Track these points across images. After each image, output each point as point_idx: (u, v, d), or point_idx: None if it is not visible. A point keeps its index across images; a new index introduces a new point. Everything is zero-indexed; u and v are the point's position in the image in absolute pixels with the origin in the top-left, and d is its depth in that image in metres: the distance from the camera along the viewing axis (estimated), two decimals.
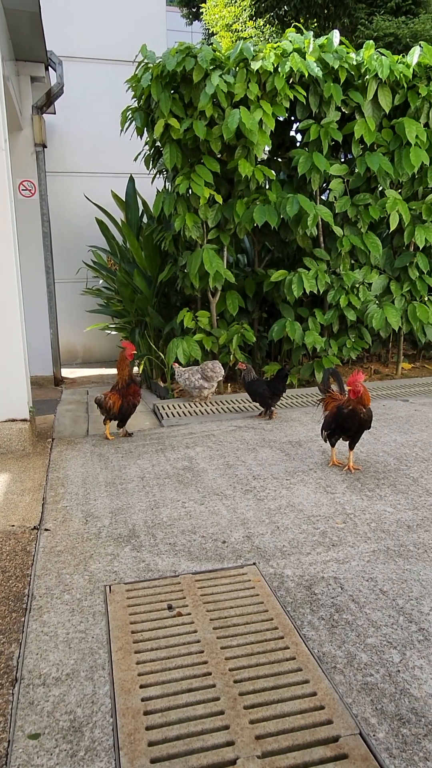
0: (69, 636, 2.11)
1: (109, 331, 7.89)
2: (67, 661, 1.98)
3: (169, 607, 2.26)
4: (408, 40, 8.66)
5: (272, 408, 4.97)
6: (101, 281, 7.87)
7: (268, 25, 10.39)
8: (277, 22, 10.15)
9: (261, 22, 10.43)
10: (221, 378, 5.43)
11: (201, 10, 12.27)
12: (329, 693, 1.81)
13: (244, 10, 10.51)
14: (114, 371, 8.33)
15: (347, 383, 3.53)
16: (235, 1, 10.61)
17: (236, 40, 10.96)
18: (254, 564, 2.59)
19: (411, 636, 2.08)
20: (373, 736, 1.66)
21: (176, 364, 5.48)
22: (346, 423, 3.55)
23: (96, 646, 2.06)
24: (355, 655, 1.99)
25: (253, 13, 10.25)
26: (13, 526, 3.02)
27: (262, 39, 10.56)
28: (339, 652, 2.01)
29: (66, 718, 1.74)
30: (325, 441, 3.82)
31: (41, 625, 2.19)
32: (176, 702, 1.78)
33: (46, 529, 2.98)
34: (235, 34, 11.01)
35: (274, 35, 10.29)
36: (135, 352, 4.51)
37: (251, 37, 10.71)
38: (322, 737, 1.65)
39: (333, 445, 3.81)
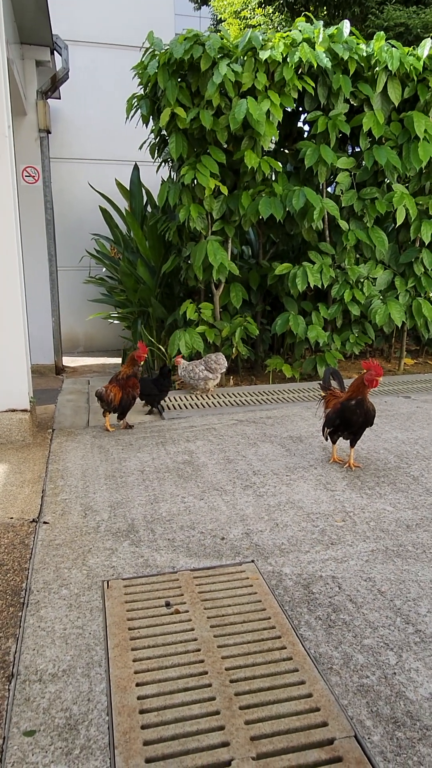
0: (66, 632, 2.12)
1: (111, 321, 7.86)
2: (63, 658, 1.98)
3: (167, 604, 2.26)
4: (419, 30, 8.54)
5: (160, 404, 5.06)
6: (104, 269, 7.84)
7: (277, 13, 10.25)
8: (286, 9, 10.01)
9: (270, 9, 10.29)
10: (224, 370, 5.42)
11: None
12: (325, 694, 1.81)
13: None
14: (116, 360, 8.35)
15: (365, 366, 3.49)
16: None
17: (244, 28, 10.84)
18: (252, 561, 2.59)
19: (408, 638, 2.08)
20: (368, 739, 1.66)
21: (179, 358, 5.43)
22: (352, 417, 3.52)
23: (93, 642, 2.06)
24: (352, 656, 1.99)
25: (262, 0, 10.11)
26: (11, 518, 3.02)
27: (270, 27, 10.43)
28: (336, 653, 2.01)
29: (62, 715, 1.74)
30: (326, 439, 3.81)
31: (38, 620, 2.19)
32: (172, 701, 1.78)
33: (44, 522, 2.98)
34: (244, 21, 10.87)
35: (283, 23, 10.15)
36: (146, 355, 4.50)
37: (260, 24, 10.57)
38: (317, 740, 1.65)
39: (334, 443, 3.80)
